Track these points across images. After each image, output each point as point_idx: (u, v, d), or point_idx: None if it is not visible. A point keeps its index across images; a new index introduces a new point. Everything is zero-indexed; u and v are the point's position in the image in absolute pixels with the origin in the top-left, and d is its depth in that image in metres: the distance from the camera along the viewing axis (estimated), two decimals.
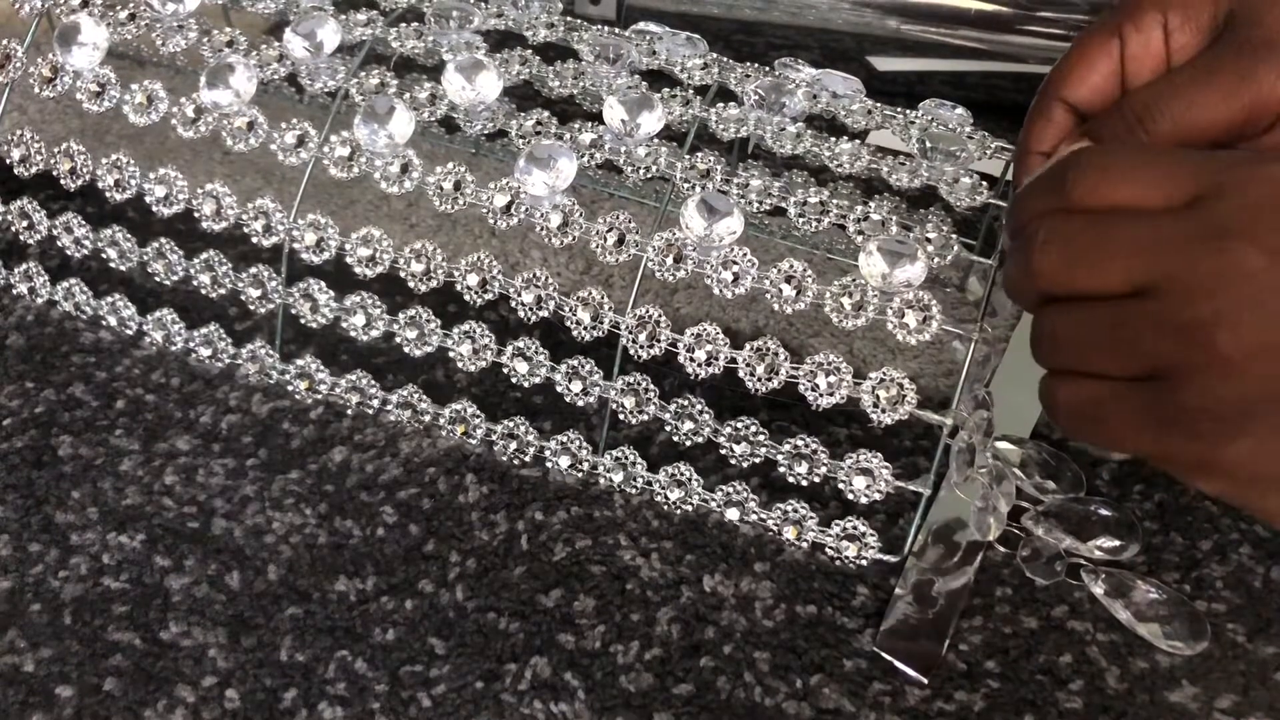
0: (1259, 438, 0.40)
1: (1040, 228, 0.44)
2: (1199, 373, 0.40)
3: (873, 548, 0.55)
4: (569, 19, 0.62)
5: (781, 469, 0.55)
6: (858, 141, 0.58)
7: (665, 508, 0.57)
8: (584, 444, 0.58)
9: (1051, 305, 0.44)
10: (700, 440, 0.55)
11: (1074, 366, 0.44)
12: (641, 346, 0.54)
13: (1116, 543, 0.55)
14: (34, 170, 0.61)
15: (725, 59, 0.60)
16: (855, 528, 0.55)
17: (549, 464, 0.58)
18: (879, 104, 0.58)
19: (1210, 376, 0.40)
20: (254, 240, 0.59)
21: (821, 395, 0.53)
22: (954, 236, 0.55)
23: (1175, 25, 0.49)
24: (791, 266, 0.53)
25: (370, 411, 0.60)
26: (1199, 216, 0.41)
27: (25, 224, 0.63)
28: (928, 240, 0.54)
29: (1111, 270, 0.42)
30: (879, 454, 0.54)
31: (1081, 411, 0.44)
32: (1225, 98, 0.47)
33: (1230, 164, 0.41)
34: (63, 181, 0.61)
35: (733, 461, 0.55)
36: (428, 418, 0.59)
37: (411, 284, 0.57)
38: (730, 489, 0.56)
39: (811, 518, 0.55)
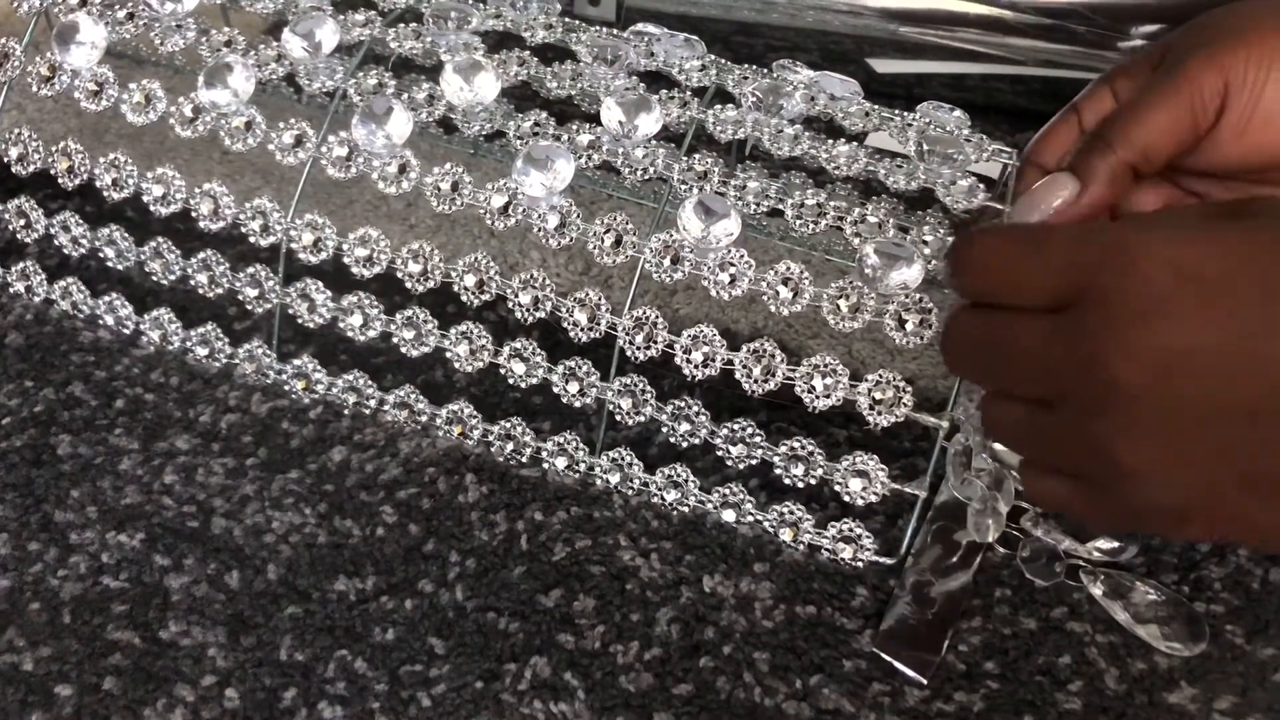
0: (1205, 524, 0.41)
1: (950, 327, 0.46)
2: (1118, 483, 0.41)
3: (868, 550, 0.55)
4: (567, 20, 0.62)
5: (778, 471, 0.55)
6: (855, 144, 0.58)
7: (665, 508, 0.57)
8: (581, 445, 0.58)
9: (988, 394, 0.46)
10: (697, 441, 0.55)
11: (1019, 454, 0.46)
12: (638, 347, 0.54)
13: (1115, 544, 0.55)
14: (32, 169, 0.61)
15: (723, 60, 0.60)
16: (851, 530, 0.55)
17: (545, 465, 0.58)
18: (877, 106, 0.58)
19: (1131, 485, 0.41)
20: (251, 240, 0.59)
21: (818, 397, 0.53)
22: (951, 239, 0.55)
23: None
24: (788, 268, 0.53)
25: (368, 411, 0.60)
26: (1074, 330, 0.41)
27: (23, 223, 0.63)
28: (924, 242, 0.54)
29: (1014, 383, 0.44)
30: (875, 456, 0.54)
31: (1057, 507, 0.45)
32: (1167, 98, 0.49)
33: (1101, 258, 0.40)
34: (60, 180, 0.61)
35: (729, 463, 0.55)
36: (424, 418, 0.59)
37: (409, 284, 0.57)
38: (727, 490, 0.56)
39: (808, 519, 0.55)
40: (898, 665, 0.52)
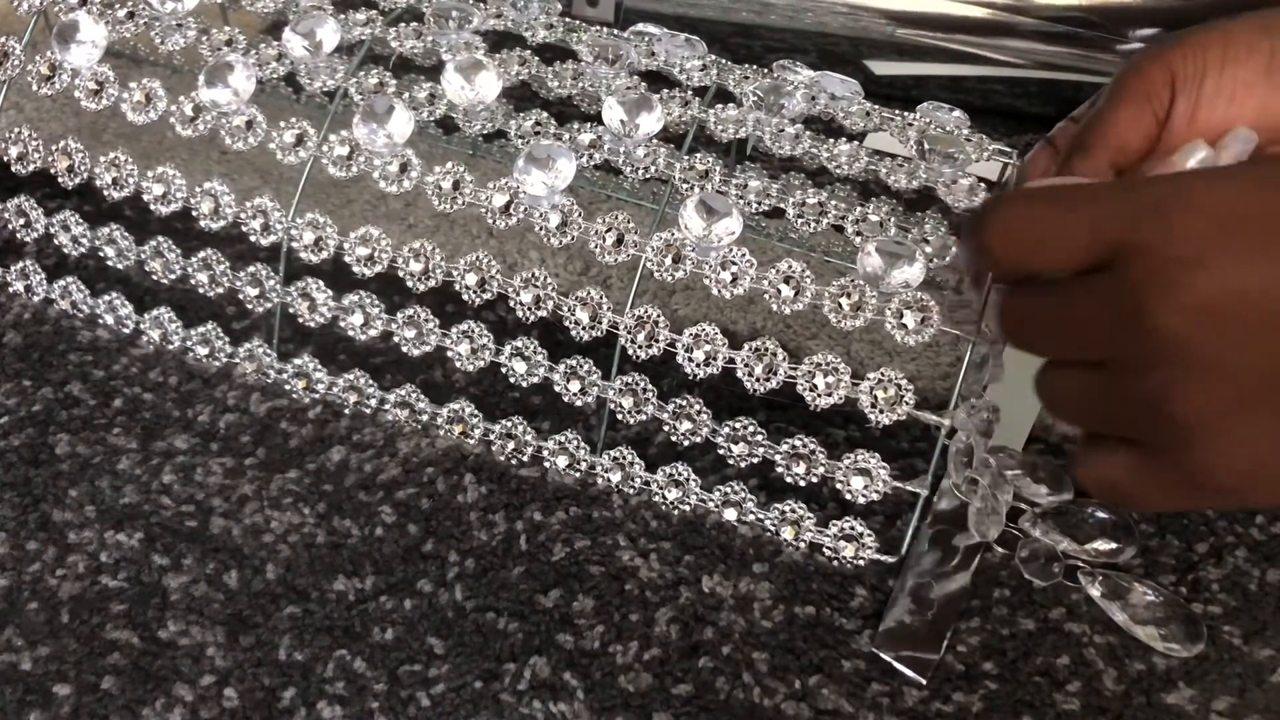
0: (1271, 486, 0.40)
1: (1004, 312, 0.45)
2: (1177, 444, 0.40)
3: (870, 548, 0.55)
4: (568, 20, 0.62)
5: (779, 469, 0.55)
6: (856, 143, 0.58)
7: (664, 508, 0.57)
8: (582, 444, 0.58)
9: (1044, 366, 0.45)
10: (698, 440, 0.55)
11: (1084, 426, 0.44)
12: (640, 346, 0.54)
13: (1113, 545, 0.55)
14: (31, 168, 0.61)
15: (724, 60, 0.60)
16: (853, 528, 0.55)
17: (546, 464, 0.58)
18: (877, 106, 0.59)
19: (1188, 445, 0.39)
20: (252, 239, 0.59)
21: (820, 395, 0.53)
22: (952, 238, 0.55)
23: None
24: (790, 267, 0.53)
25: (368, 411, 0.60)
26: (1117, 287, 0.40)
27: (22, 222, 0.62)
28: (925, 241, 0.55)
29: (1066, 349, 0.43)
30: (876, 454, 0.54)
31: (1108, 489, 0.44)
32: (1127, 94, 0.50)
33: (1138, 211, 0.40)
34: (60, 179, 0.61)
35: (730, 462, 0.55)
36: (425, 417, 0.59)
37: (410, 283, 0.57)
38: (728, 489, 0.56)
39: (809, 518, 0.55)
40: (897, 665, 0.52)
